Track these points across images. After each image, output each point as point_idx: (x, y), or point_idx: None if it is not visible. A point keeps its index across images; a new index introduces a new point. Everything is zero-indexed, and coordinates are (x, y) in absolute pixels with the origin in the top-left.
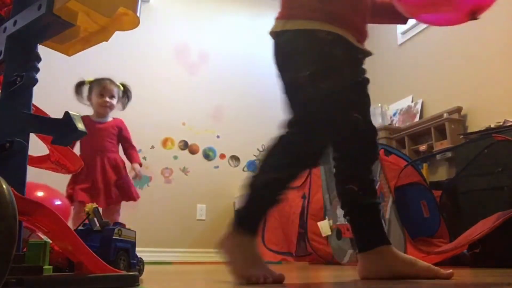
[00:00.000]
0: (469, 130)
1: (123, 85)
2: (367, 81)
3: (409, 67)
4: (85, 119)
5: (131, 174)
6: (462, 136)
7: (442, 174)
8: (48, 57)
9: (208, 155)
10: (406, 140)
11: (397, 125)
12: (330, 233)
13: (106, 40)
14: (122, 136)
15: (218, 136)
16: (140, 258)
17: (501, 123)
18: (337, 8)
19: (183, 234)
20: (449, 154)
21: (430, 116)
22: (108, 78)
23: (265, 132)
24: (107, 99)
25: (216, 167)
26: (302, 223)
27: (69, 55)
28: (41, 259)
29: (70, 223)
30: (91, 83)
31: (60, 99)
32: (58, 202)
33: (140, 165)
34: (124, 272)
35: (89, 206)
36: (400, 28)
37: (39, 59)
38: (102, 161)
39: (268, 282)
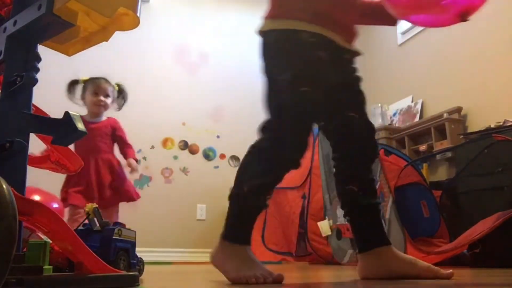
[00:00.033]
0: (469, 130)
1: (118, 85)
2: (358, 79)
3: (409, 67)
4: None
5: (128, 172)
6: (462, 136)
7: (442, 174)
8: (48, 57)
9: (208, 155)
10: (406, 140)
11: (397, 125)
12: (330, 233)
13: (106, 40)
14: (116, 136)
15: (218, 136)
16: (140, 258)
17: (501, 123)
18: (323, 7)
19: (183, 234)
20: (449, 154)
21: (430, 116)
22: (103, 77)
23: None
24: (102, 98)
25: (216, 167)
26: (302, 223)
27: (69, 55)
28: (41, 259)
29: None
30: (86, 81)
31: (60, 99)
32: (55, 205)
33: (136, 160)
34: (124, 272)
35: (89, 206)
36: (400, 28)
37: (39, 59)
38: (96, 162)
39: (268, 282)
